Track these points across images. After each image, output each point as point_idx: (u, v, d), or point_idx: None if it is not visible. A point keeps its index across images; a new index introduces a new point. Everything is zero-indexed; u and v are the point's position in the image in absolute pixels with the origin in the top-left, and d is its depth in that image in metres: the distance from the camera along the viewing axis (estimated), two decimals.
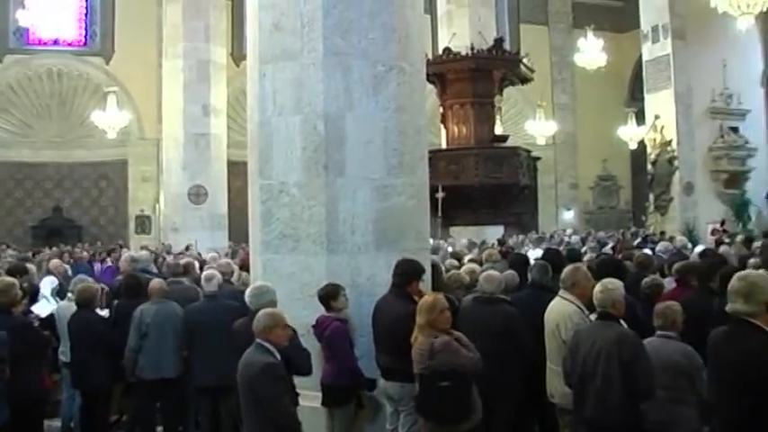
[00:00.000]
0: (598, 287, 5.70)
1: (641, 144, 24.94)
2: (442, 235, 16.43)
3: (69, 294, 8.52)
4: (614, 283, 5.71)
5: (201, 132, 20.91)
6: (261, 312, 5.36)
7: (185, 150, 20.84)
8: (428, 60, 14.21)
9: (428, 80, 14.71)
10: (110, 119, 22.24)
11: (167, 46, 21.57)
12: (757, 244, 11.77)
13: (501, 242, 15.91)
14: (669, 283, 8.14)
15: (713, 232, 21.06)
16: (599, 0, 31.05)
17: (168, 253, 16.17)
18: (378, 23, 6.93)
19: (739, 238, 15.19)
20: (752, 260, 9.01)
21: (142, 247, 16.99)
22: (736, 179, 24.38)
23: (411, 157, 7.09)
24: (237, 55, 23.67)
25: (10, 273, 8.90)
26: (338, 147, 6.76)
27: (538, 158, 20.93)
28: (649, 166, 23.84)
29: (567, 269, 6.57)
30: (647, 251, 11.96)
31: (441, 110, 19.98)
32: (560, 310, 6.29)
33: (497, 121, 19.72)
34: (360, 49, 6.85)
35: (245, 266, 9.24)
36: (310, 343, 6.12)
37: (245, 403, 5.16)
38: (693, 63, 23.12)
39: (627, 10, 27.96)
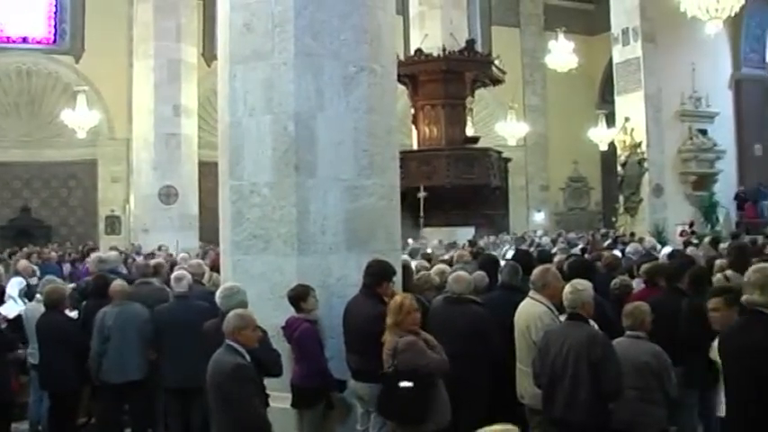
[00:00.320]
0: (568, 288, 5.74)
1: (611, 146, 25.09)
2: (413, 236, 16.42)
3: (38, 296, 8.45)
4: (583, 284, 5.76)
5: (172, 132, 20.80)
6: (231, 313, 5.34)
7: (156, 151, 20.72)
8: (400, 61, 14.22)
9: (400, 81, 14.70)
10: (79, 118, 22.03)
11: (138, 45, 21.44)
12: (724, 245, 11.88)
13: (472, 243, 15.96)
14: (638, 284, 8.21)
15: (682, 233, 21.25)
16: (570, 3, 31.26)
17: (138, 254, 16.07)
18: (349, 24, 6.93)
19: (706, 239, 15.34)
20: (718, 261, 9.10)
21: (111, 248, 16.85)
22: (704, 181, 24.59)
23: (382, 157, 7.10)
24: (209, 55, 23.52)
25: None
26: (309, 147, 6.76)
27: (509, 160, 20.93)
28: (619, 168, 23.98)
29: (538, 270, 6.61)
30: (617, 252, 12.05)
31: (412, 111, 19.97)
32: (530, 310, 6.33)
33: (469, 123, 19.73)
34: (331, 49, 6.86)
35: (215, 267, 9.20)
36: (280, 344, 6.11)
37: (215, 404, 5.14)
38: (663, 66, 23.30)
39: (597, 13, 28.15)
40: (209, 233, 18.75)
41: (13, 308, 8.85)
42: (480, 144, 20.06)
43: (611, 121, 25.06)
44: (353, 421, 6.47)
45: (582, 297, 5.62)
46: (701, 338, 6.00)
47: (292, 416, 6.20)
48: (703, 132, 24.62)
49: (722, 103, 25.23)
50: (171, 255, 14.60)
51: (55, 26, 25.84)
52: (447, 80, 18.99)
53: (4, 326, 8.21)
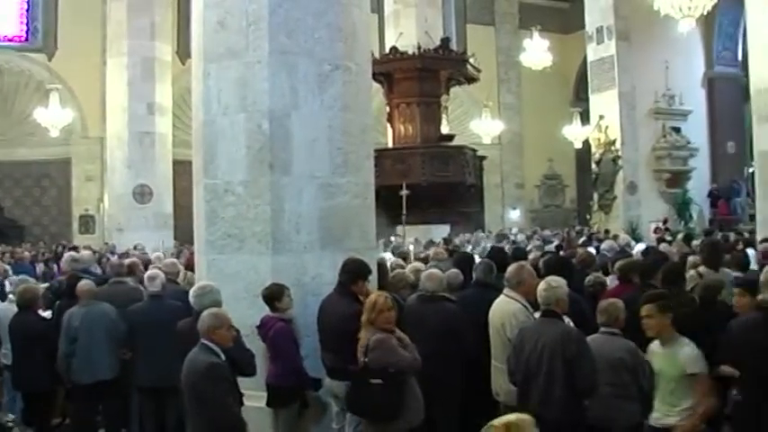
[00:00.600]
0: (542, 285, 5.76)
1: (586, 144, 25.21)
2: (389, 234, 16.44)
3: (10, 296, 8.39)
4: (558, 281, 5.78)
5: (146, 131, 20.69)
6: (205, 313, 5.32)
7: (130, 149, 20.60)
8: (375, 59, 14.20)
9: (375, 79, 14.71)
10: (52, 117, 21.81)
11: (112, 43, 21.29)
12: (697, 242, 11.99)
13: (447, 241, 15.99)
14: (612, 281, 8.25)
15: (656, 230, 21.40)
16: (545, 1, 31.35)
17: (112, 253, 15.97)
18: (324, 23, 6.93)
19: (680, 236, 15.47)
20: (691, 258, 9.19)
21: (84, 247, 16.73)
22: (678, 178, 24.78)
23: (356, 156, 7.10)
24: (183, 53, 23.39)
25: None
26: (283, 146, 6.74)
27: (484, 158, 20.98)
28: (594, 166, 24.13)
29: (512, 267, 6.63)
30: (592, 249, 12.12)
31: (387, 109, 19.97)
32: (505, 308, 6.35)
33: (444, 121, 19.77)
34: (305, 48, 6.85)
35: (190, 266, 9.16)
36: (255, 343, 6.09)
37: (190, 404, 5.12)
38: (637, 64, 23.44)
39: (572, 11, 28.29)
40: (183, 232, 18.66)
41: None
42: (455, 142, 20.08)
43: (585, 118, 25.17)
44: (329, 420, 6.46)
45: (556, 294, 5.64)
46: None
47: (268, 415, 6.19)
48: (677, 130, 24.81)
49: (695, 101, 25.43)
50: (145, 253, 14.50)
51: (27, 24, 25.58)
52: (422, 78, 19.00)
53: None
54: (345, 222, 6.97)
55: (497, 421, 2.87)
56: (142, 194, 20.53)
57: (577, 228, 22.87)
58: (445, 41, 19.55)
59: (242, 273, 6.77)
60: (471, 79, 20.38)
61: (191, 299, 6.18)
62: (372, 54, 10.12)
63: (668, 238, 16.83)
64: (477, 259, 8.91)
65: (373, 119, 8.01)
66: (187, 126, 14.95)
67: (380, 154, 16.98)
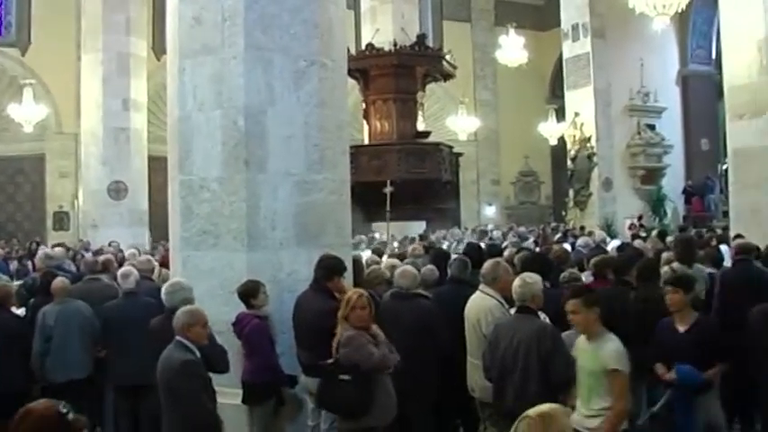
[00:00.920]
0: (517, 281, 5.79)
1: (561, 140, 25.33)
2: (364, 230, 16.41)
3: None
4: (533, 277, 5.81)
5: (122, 127, 20.51)
6: (181, 310, 5.31)
7: (105, 145, 20.41)
8: (351, 56, 14.19)
9: (351, 76, 14.68)
10: (26, 112, 21.62)
11: (86, 38, 21.08)
12: (671, 238, 12.07)
13: (423, 237, 16.00)
14: (587, 277, 8.29)
15: (631, 227, 21.54)
16: None
17: (86, 250, 15.85)
18: (300, 19, 6.91)
19: (654, 232, 15.57)
20: (665, 254, 9.25)
21: (59, 244, 16.59)
22: (652, 175, 24.95)
23: (332, 152, 7.10)
24: (159, 48, 23.18)
25: None
26: (259, 142, 6.73)
27: (460, 154, 21.01)
28: (569, 162, 24.24)
29: (488, 264, 6.66)
30: (568, 246, 12.17)
31: (363, 105, 19.97)
32: (481, 304, 6.37)
33: (420, 117, 19.79)
34: (281, 44, 6.83)
35: (165, 263, 9.12)
36: (231, 340, 6.08)
37: (165, 401, 5.11)
38: (612, 61, 23.58)
39: (548, 9, 28.36)
40: (159, 229, 18.54)
41: None
42: (431, 139, 20.12)
43: (561, 115, 25.29)
44: (305, 417, 6.46)
45: (531, 290, 5.67)
46: (648, 330, 6.14)
47: (243, 412, 6.16)
48: (651, 127, 24.97)
49: (670, 99, 25.62)
50: (120, 250, 14.40)
51: (0, 18, 25.36)
52: (398, 75, 19.02)
53: None
54: (321, 219, 6.97)
55: (531, 411, 2.93)
56: (117, 191, 20.37)
57: (553, 224, 22.94)
58: (421, 38, 19.56)
59: (217, 269, 6.75)
60: (447, 76, 20.41)
61: (162, 296, 6.17)
62: (348, 50, 10.10)
63: (643, 234, 16.97)
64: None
65: (349, 115, 8.01)
66: (162, 122, 14.80)
67: (357, 150, 16.98)
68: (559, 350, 5.36)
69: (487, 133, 30.76)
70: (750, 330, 6.34)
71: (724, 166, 22.36)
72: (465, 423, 7.41)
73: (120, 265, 9.64)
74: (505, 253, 9.87)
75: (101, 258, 10.00)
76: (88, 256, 12.25)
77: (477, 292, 6.49)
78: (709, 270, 8.72)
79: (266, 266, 6.66)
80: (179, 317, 5.20)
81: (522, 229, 19.96)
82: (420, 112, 19.83)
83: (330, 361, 5.60)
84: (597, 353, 5.15)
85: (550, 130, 25.86)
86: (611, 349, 5.12)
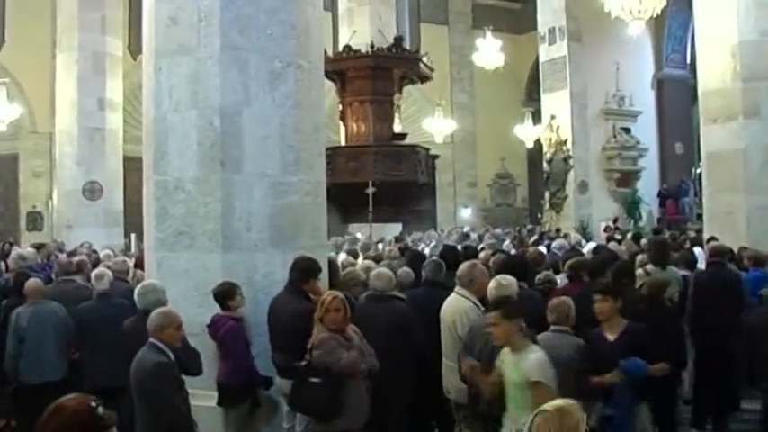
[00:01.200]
0: (492, 283, 5.80)
1: (537, 143, 25.39)
2: (340, 232, 16.40)
3: None
4: (508, 279, 5.83)
5: (97, 127, 20.34)
6: (154, 312, 5.29)
7: (79, 145, 20.25)
8: (328, 57, 14.19)
9: (328, 77, 14.70)
10: None
11: (62, 37, 20.91)
12: (645, 241, 12.16)
13: (398, 239, 16.01)
14: (563, 279, 8.33)
15: (606, 229, 21.65)
16: (498, 2, 31.51)
17: (60, 251, 15.72)
18: (276, 20, 6.91)
19: (629, 235, 15.66)
20: (640, 256, 9.31)
21: (32, 245, 16.44)
22: (627, 178, 25.11)
23: (308, 153, 7.09)
24: (135, 48, 23.01)
25: None
26: (235, 143, 6.71)
27: (436, 156, 21.09)
28: (545, 165, 24.32)
29: (465, 266, 6.66)
30: (543, 248, 12.21)
31: (340, 107, 19.98)
32: (456, 306, 6.37)
33: (396, 119, 19.85)
34: (257, 44, 6.82)
35: (140, 264, 9.07)
36: (206, 342, 6.06)
37: (138, 403, 5.09)
38: (588, 65, 23.67)
39: (524, 12, 28.45)
40: (134, 229, 18.40)
41: None
42: (408, 141, 20.16)
43: (537, 118, 25.34)
44: (280, 419, 6.45)
45: (506, 292, 5.67)
46: None
47: (218, 414, 6.14)
48: (627, 131, 25.13)
49: (645, 103, 25.80)
50: (94, 251, 14.29)
51: None
52: (375, 77, 19.06)
53: None
54: (297, 220, 6.96)
55: (548, 405, 2.96)
56: (92, 191, 20.21)
57: (529, 226, 23.03)
58: (398, 40, 19.60)
59: (192, 271, 6.73)
60: (424, 78, 20.46)
61: (135, 297, 6.15)
62: (325, 52, 10.11)
63: (618, 236, 17.04)
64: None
65: (326, 117, 8.01)
66: (138, 122, 14.76)
67: (333, 152, 16.99)
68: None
69: (464, 135, 30.80)
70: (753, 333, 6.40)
71: (698, 170, 22.61)
72: (440, 425, 7.41)
73: (95, 266, 9.58)
74: (481, 255, 9.89)
75: (75, 259, 9.93)
76: (62, 256, 12.16)
77: (453, 294, 6.49)
78: (682, 272, 8.80)
79: (241, 268, 6.64)
80: (153, 318, 5.18)
81: (498, 231, 20.02)
82: (397, 114, 19.88)
83: (302, 363, 5.58)
84: (519, 364, 5.00)
85: (527, 132, 25.91)
86: (532, 360, 4.97)
